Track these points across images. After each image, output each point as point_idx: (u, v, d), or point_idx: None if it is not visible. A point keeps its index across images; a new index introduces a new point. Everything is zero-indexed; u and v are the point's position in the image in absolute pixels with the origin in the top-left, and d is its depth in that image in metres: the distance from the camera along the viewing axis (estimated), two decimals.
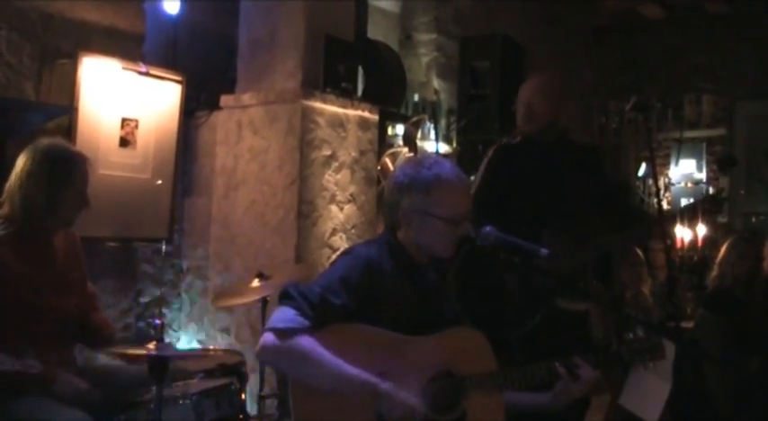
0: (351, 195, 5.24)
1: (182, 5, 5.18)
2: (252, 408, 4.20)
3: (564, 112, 4.23)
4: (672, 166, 9.54)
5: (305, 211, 4.93)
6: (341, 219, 5.17)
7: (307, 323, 2.44)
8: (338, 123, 5.16)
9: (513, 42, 6.49)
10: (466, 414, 2.60)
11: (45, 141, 3.32)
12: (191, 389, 3.38)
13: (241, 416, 3.54)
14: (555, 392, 2.77)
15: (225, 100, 5.35)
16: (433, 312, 2.76)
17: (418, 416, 2.46)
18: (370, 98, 5.59)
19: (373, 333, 2.55)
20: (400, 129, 6.36)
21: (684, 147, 9.20)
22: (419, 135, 6.29)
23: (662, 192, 9.00)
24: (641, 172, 9.29)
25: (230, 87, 5.41)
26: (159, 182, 5.06)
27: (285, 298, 2.51)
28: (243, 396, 3.62)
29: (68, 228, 3.40)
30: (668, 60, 9.58)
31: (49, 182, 3.20)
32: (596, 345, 3.54)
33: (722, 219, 8.84)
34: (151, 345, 3.01)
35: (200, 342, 5.37)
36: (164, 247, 5.24)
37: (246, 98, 5.23)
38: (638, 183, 9.31)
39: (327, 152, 5.07)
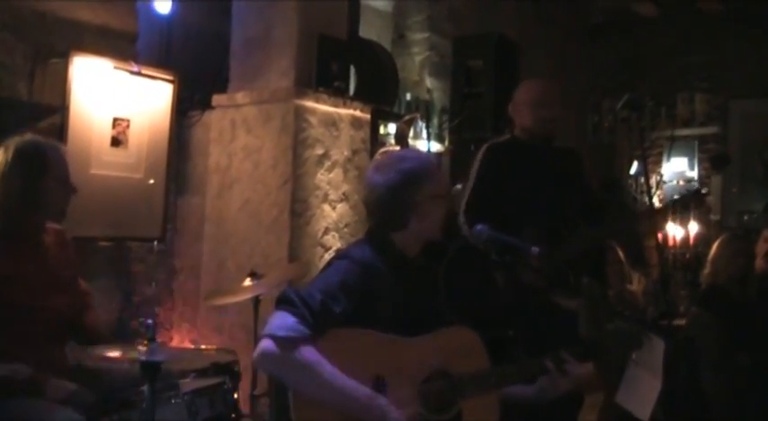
0: (343, 194, 5.24)
1: (174, 5, 5.18)
2: (244, 407, 4.20)
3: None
4: (664, 164, 9.57)
5: (298, 210, 4.93)
6: (334, 218, 5.17)
7: (308, 332, 2.39)
8: (331, 122, 5.16)
9: (507, 41, 6.49)
10: (461, 413, 2.60)
11: (15, 139, 3.31)
12: (183, 388, 3.37)
13: (234, 415, 3.53)
14: (541, 386, 2.80)
15: (218, 99, 5.35)
16: (427, 310, 2.75)
17: None
18: (362, 97, 5.59)
19: (368, 335, 2.53)
20: (393, 127, 6.36)
21: (677, 145, 9.21)
22: (411, 134, 6.29)
23: (654, 189, 9.01)
24: (633, 170, 9.31)
25: (223, 86, 5.40)
26: (152, 181, 5.07)
27: (285, 303, 2.45)
28: (236, 395, 3.62)
29: (60, 219, 3.40)
30: (662, 59, 9.59)
31: (25, 177, 3.19)
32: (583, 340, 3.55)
33: (715, 217, 8.87)
34: (142, 347, 3.00)
35: (192, 341, 5.37)
36: (156, 246, 5.24)
37: (240, 97, 5.23)
38: (630, 180, 9.34)
39: (320, 151, 5.07)
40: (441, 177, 2.83)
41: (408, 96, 6.99)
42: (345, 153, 5.27)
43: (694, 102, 9.45)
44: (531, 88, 4.24)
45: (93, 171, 4.72)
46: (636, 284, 6.03)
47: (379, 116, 6.06)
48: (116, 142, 4.85)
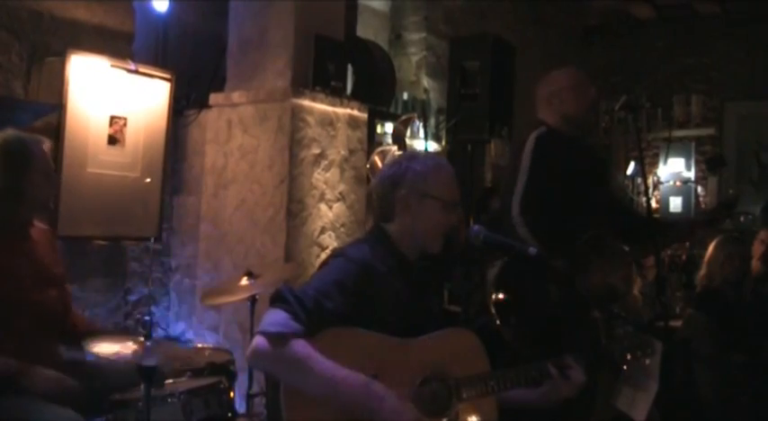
0: (340, 194, 5.24)
1: (171, 4, 5.18)
2: (241, 407, 4.20)
3: None
4: (661, 165, 9.59)
5: (294, 210, 4.92)
6: (330, 218, 5.17)
7: (300, 328, 2.39)
8: (328, 122, 5.16)
9: (503, 42, 6.48)
10: (459, 416, 2.58)
11: None
12: (179, 387, 3.37)
13: (230, 415, 3.52)
14: (544, 391, 2.77)
15: (214, 98, 5.34)
16: (426, 313, 2.75)
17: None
18: (359, 97, 5.59)
19: (365, 336, 2.52)
20: (389, 127, 6.36)
21: (673, 147, 9.23)
22: (408, 134, 6.30)
23: (650, 190, 9.03)
24: (630, 171, 9.34)
25: (220, 86, 5.40)
26: (148, 180, 5.06)
27: (278, 301, 2.45)
28: (231, 394, 3.61)
29: (45, 212, 3.42)
30: (658, 60, 9.63)
31: (8, 172, 3.24)
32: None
33: None
34: (138, 346, 3.00)
35: (188, 340, 5.36)
36: (152, 246, 5.23)
37: (236, 96, 5.23)
38: (626, 181, 9.37)
39: (317, 151, 5.07)
40: (444, 182, 2.76)
41: (405, 96, 6.99)
42: (342, 153, 5.26)
43: (691, 103, 9.47)
44: (573, 74, 4.03)
45: (89, 169, 4.71)
46: (633, 286, 6.02)
47: (376, 116, 6.07)
48: (113, 141, 4.84)
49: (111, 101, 4.81)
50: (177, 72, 5.19)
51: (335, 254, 2.80)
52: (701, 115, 9.48)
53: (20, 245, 3.30)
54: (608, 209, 4.02)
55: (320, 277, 2.60)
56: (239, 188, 5.14)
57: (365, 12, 7.07)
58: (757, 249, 5.46)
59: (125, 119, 4.89)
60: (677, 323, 5.47)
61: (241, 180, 5.14)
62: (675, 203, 9.60)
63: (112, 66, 4.78)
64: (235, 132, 5.20)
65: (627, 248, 3.84)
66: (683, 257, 7.93)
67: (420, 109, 6.92)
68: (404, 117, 6.24)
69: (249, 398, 4.24)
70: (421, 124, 6.58)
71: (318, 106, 5.09)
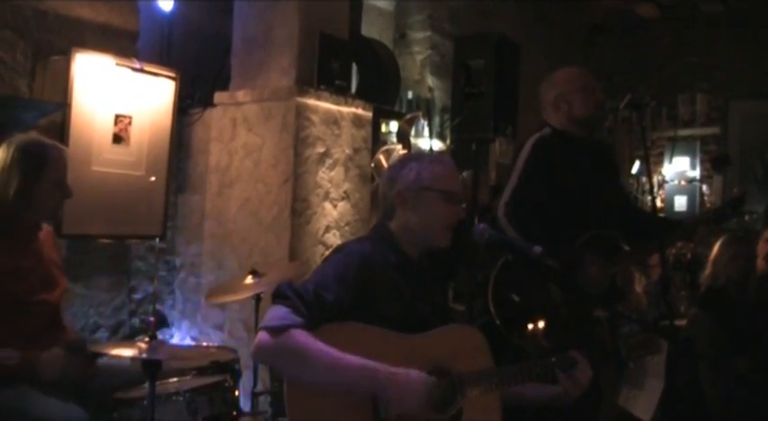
0: (345, 192, 5.24)
1: (176, 3, 5.19)
2: (245, 405, 4.20)
3: None
4: (666, 164, 9.59)
5: (299, 209, 4.92)
6: (335, 217, 5.17)
7: (301, 321, 2.40)
8: (332, 121, 5.16)
9: (508, 41, 6.47)
10: (462, 412, 2.58)
11: (19, 136, 3.34)
12: (184, 386, 3.37)
13: (234, 413, 3.53)
14: (558, 391, 2.74)
15: (219, 97, 5.34)
16: (429, 309, 2.75)
17: (425, 386, 2.44)
18: (364, 95, 5.58)
19: (367, 331, 2.52)
20: (394, 126, 6.36)
21: (678, 146, 9.25)
22: (413, 132, 6.31)
23: (655, 189, 9.02)
24: (635, 169, 9.34)
25: (224, 85, 5.40)
26: (153, 178, 5.06)
27: (279, 297, 2.47)
28: (236, 393, 3.62)
29: (52, 219, 3.43)
30: (663, 59, 9.62)
31: (22, 176, 3.23)
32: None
33: None
34: (143, 344, 3.00)
35: (193, 339, 5.37)
36: (157, 244, 5.24)
37: (241, 95, 5.23)
38: (631, 180, 9.36)
39: (321, 149, 5.07)
40: (443, 174, 2.76)
41: (410, 95, 6.99)
42: (347, 151, 5.26)
43: (695, 102, 9.46)
44: (578, 75, 4.01)
45: (94, 168, 4.72)
46: (637, 285, 6.01)
47: (381, 115, 6.07)
48: (117, 139, 4.84)
49: (115, 99, 4.80)
50: (182, 70, 5.19)
51: (336, 249, 2.83)
52: (706, 114, 9.48)
53: (28, 246, 3.31)
54: (618, 203, 4.02)
55: (320, 271, 2.62)
56: (244, 186, 5.14)
57: (370, 11, 7.07)
58: (762, 248, 5.44)
59: (130, 117, 4.89)
60: (682, 322, 5.46)
61: (245, 178, 5.14)
62: (680, 202, 9.60)
63: (117, 64, 4.78)
64: (239, 131, 5.20)
65: (627, 248, 3.85)
66: (688, 256, 7.92)
67: (424, 108, 6.92)
68: (408, 116, 6.24)
69: (254, 396, 4.24)
70: (425, 123, 6.59)
71: (323, 105, 5.09)
